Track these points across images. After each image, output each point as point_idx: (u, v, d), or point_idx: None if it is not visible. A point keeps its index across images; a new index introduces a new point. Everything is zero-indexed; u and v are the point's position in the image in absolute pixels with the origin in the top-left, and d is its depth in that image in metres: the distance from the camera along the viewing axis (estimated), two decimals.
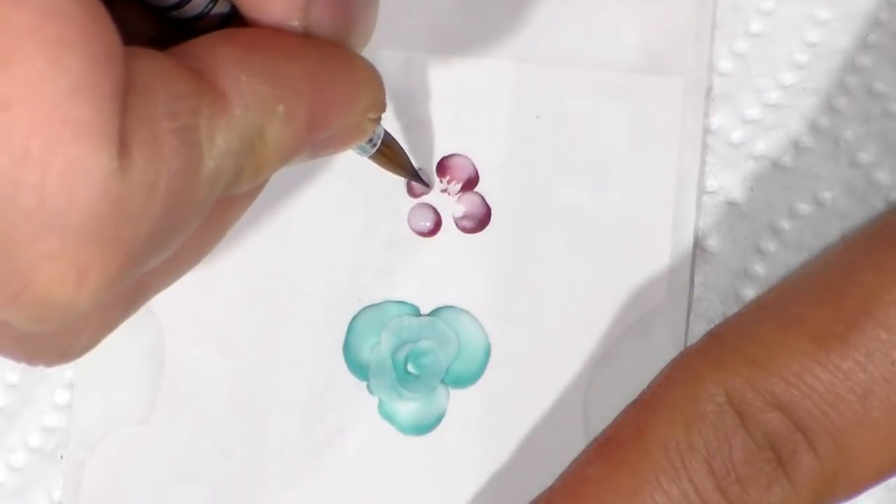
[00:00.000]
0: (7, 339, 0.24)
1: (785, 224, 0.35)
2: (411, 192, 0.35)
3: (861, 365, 0.30)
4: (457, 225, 0.35)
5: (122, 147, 0.20)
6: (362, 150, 0.30)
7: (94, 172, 0.20)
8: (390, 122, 0.34)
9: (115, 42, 0.20)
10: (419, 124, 0.35)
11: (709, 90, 0.35)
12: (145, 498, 0.34)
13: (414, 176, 0.33)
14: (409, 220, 0.35)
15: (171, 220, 0.22)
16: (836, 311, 0.30)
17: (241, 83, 0.23)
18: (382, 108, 0.27)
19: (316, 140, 0.25)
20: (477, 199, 0.35)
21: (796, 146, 0.35)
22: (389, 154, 0.31)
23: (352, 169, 0.34)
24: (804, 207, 0.35)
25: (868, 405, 0.30)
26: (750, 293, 0.34)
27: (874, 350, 0.30)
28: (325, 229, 0.35)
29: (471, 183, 0.35)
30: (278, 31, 0.24)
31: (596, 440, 0.32)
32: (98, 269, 0.21)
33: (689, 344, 0.34)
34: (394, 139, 0.31)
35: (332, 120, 0.25)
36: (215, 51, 0.23)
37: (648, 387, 0.32)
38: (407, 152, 0.32)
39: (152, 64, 0.22)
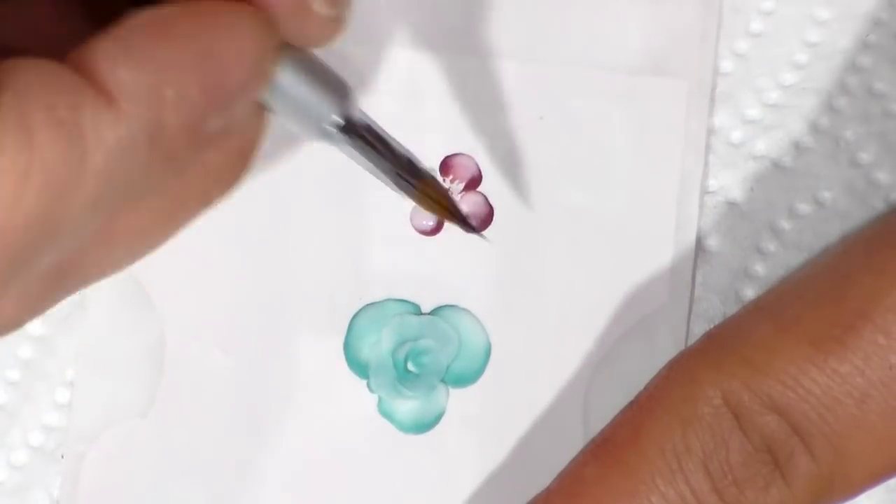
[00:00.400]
0: None
1: (785, 224, 0.35)
2: None
3: (859, 369, 0.30)
4: None
5: None
6: (404, 190, 0.28)
7: None
8: (394, 120, 0.34)
9: None
10: (423, 123, 0.35)
11: (710, 90, 0.35)
12: (144, 492, 0.35)
13: (460, 218, 0.30)
14: (411, 219, 0.35)
15: (55, 211, 0.22)
16: (835, 314, 0.30)
17: (122, 77, 0.23)
18: (275, 39, 0.25)
19: (224, 101, 0.24)
20: (479, 199, 0.35)
21: (796, 146, 0.35)
22: (430, 192, 0.29)
23: (354, 166, 0.34)
24: (804, 207, 0.35)
25: (865, 409, 0.30)
26: (750, 293, 0.34)
27: (872, 354, 0.30)
28: (327, 226, 0.35)
29: (473, 182, 0.35)
30: (154, 13, 0.24)
31: (593, 441, 0.32)
32: None
33: (689, 344, 0.34)
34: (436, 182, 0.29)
35: (232, 79, 0.24)
36: (96, 50, 0.23)
37: (646, 388, 0.32)
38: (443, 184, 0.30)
39: (31, 66, 0.22)
